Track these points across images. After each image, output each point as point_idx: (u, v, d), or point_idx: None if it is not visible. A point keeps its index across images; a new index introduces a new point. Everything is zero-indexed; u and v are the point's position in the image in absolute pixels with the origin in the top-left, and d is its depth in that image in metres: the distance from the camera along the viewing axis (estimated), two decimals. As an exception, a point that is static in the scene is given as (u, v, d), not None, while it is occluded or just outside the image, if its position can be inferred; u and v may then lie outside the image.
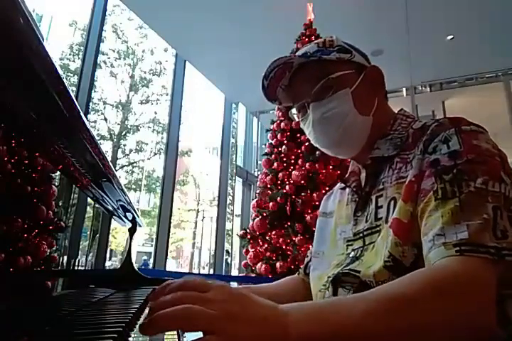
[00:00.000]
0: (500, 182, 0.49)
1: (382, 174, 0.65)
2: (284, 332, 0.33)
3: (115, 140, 8.74)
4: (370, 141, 0.68)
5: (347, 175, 0.77)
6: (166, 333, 0.57)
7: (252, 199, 3.23)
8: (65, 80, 0.47)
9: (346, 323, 0.36)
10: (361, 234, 0.64)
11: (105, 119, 8.54)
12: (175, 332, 0.57)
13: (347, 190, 0.75)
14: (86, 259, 0.91)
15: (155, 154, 9.21)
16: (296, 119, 0.74)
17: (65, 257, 0.74)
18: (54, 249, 0.65)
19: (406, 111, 0.72)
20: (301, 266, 0.89)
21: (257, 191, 3.23)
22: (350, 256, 0.64)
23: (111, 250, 1.21)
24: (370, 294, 0.41)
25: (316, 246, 0.79)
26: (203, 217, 13.26)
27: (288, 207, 2.87)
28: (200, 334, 0.32)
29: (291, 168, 3.06)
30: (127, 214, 1.22)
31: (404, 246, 0.54)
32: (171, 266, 12.44)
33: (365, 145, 0.68)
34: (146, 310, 0.81)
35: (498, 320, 0.46)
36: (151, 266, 6.31)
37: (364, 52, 0.75)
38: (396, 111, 0.72)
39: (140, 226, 1.34)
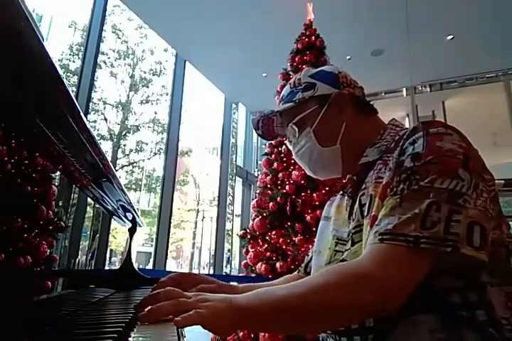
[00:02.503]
0: (452, 179, 0.53)
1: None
2: (229, 303, 0.48)
3: (115, 140, 8.73)
4: (356, 157, 0.72)
5: (345, 182, 0.80)
6: (167, 334, 0.58)
7: (252, 199, 3.23)
8: (65, 80, 0.47)
9: (274, 298, 0.49)
10: (350, 234, 0.67)
11: (105, 119, 8.53)
12: (175, 333, 0.57)
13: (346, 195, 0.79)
14: (86, 259, 0.91)
15: (155, 154, 9.20)
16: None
17: (65, 257, 0.74)
18: (54, 248, 0.65)
19: (397, 120, 0.77)
20: (302, 265, 0.92)
21: (257, 191, 3.22)
22: (344, 255, 0.68)
23: (111, 250, 1.21)
24: (300, 281, 0.53)
25: (315, 245, 0.84)
26: (203, 217, 13.25)
27: (288, 207, 2.86)
28: (200, 337, 0.39)
29: (291, 168, 3.05)
30: (127, 214, 1.22)
31: None
32: (171, 266, 12.43)
33: (354, 161, 0.73)
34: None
35: (480, 305, 0.51)
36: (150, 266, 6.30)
37: (335, 73, 0.77)
38: (387, 122, 0.76)
39: (140, 226, 1.34)
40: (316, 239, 0.85)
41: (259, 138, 0.92)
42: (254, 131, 0.87)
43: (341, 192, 0.82)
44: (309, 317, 0.50)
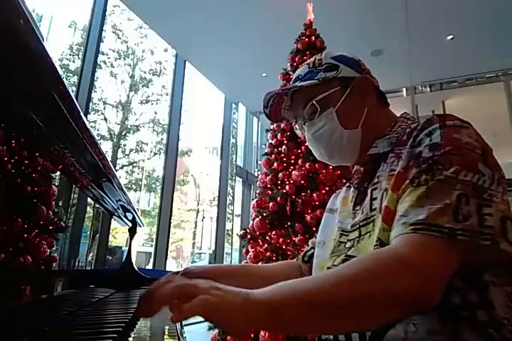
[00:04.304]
0: (475, 172, 0.52)
1: (378, 169, 0.68)
2: (247, 297, 0.43)
3: (115, 140, 8.73)
4: (367, 146, 0.72)
5: (352, 173, 0.80)
6: (166, 334, 0.58)
7: (252, 199, 3.23)
8: (65, 80, 0.47)
9: (296, 292, 0.44)
10: (357, 226, 0.67)
11: (105, 119, 8.53)
12: (175, 334, 0.57)
13: (352, 187, 0.78)
14: (86, 259, 0.91)
15: (155, 154, 9.20)
16: (300, 135, 0.82)
17: (65, 257, 0.74)
18: (54, 248, 0.65)
19: (408, 114, 0.76)
20: (300, 253, 0.91)
21: (257, 191, 3.22)
22: (347, 246, 0.67)
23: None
24: (330, 272, 0.49)
25: (319, 236, 0.82)
26: (203, 217, 13.25)
27: (288, 207, 2.86)
28: (200, 337, 0.37)
29: (291, 168, 3.05)
30: (127, 214, 1.22)
31: (390, 231, 0.56)
32: (171, 266, 12.42)
33: (364, 150, 0.72)
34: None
35: (481, 305, 0.50)
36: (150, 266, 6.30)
37: (355, 59, 0.77)
38: (399, 115, 0.75)
39: (140, 226, 1.34)
40: (319, 231, 0.84)
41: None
42: (263, 109, 0.80)
43: (347, 184, 0.81)
44: (350, 310, 0.44)
